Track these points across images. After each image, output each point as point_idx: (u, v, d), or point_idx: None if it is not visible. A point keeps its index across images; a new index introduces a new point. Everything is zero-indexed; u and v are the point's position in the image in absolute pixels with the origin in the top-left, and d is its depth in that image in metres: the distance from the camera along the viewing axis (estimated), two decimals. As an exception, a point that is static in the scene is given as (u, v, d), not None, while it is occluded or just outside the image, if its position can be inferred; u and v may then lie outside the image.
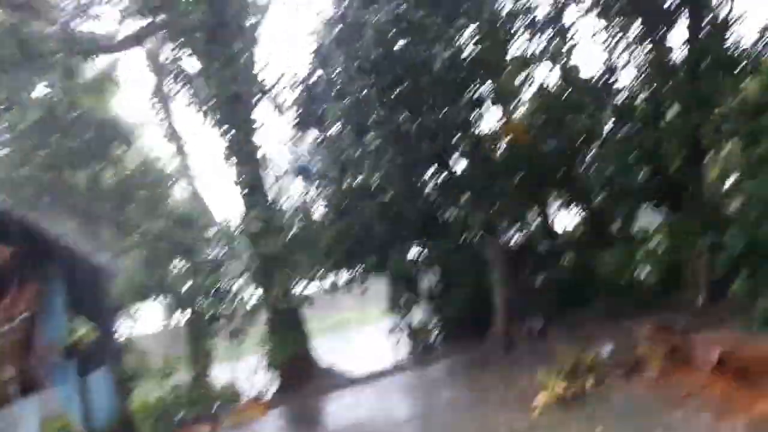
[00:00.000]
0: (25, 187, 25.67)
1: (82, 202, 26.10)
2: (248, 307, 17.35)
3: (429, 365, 13.92)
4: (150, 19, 16.06)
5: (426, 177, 13.36)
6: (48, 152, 24.17)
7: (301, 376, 15.21)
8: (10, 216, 12.05)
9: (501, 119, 13.34)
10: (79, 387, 12.60)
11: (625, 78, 12.71)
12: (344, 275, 15.29)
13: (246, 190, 15.67)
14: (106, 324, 16.34)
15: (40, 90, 22.20)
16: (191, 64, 16.68)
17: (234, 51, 15.12)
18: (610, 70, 12.55)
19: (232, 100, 14.98)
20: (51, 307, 14.22)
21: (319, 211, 15.69)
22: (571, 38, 12.43)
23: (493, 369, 11.59)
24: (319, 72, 13.86)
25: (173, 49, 16.93)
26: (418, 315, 15.68)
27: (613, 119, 12.22)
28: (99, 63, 22.21)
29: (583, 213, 13.85)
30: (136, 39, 18.05)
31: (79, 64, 19.20)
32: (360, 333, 22.83)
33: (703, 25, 11.28)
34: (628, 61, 12.41)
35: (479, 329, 13.45)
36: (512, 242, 14.12)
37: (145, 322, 26.26)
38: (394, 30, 11.21)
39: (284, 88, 15.48)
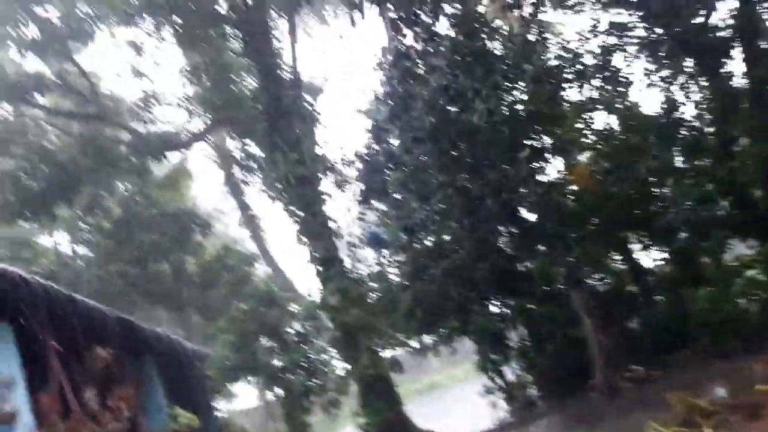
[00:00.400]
0: (115, 281, 27.14)
1: (169, 291, 27.32)
2: (338, 379, 17.49)
3: (532, 423, 13.46)
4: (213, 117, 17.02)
5: (497, 232, 13.32)
6: (133, 247, 25.63)
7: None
8: (108, 318, 12.70)
9: (565, 167, 13.26)
10: (185, 474, 12.86)
11: (687, 113, 12.55)
12: (429, 338, 15.24)
13: (321, 265, 16.02)
14: (204, 407, 16.76)
15: (120, 191, 23.61)
16: (256, 152, 17.51)
17: (294, 136, 15.79)
18: (670, 107, 12.37)
19: (297, 182, 15.54)
20: (152, 400, 14.75)
21: (394, 277, 15.83)
22: (624, 82, 12.39)
23: (601, 422, 11.07)
24: (376, 146, 14.29)
25: (237, 141, 17.86)
26: (510, 372, 15.32)
27: (683, 155, 11.97)
28: (171, 159, 23.55)
29: (668, 251, 13.37)
30: (201, 135, 19.13)
31: (151, 163, 20.40)
32: (451, 394, 22.40)
33: (760, 51, 11.04)
34: (687, 97, 12.23)
35: (577, 381, 12.96)
36: (599, 288, 13.72)
37: (240, 399, 26.78)
38: (443, 99, 11.55)
39: (345, 164, 15.96)
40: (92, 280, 26.41)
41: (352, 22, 11.20)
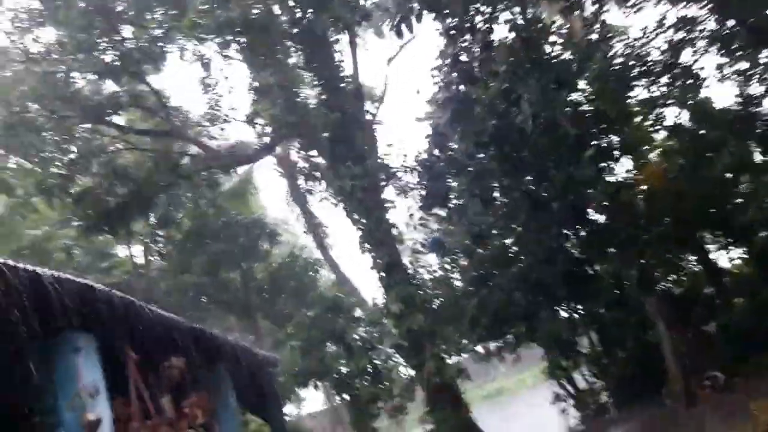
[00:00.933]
0: (188, 290, 28.15)
1: (239, 299, 28.14)
2: (404, 384, 17.52)
3: (604, 430, 13.09)
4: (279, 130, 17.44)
5: (564, 236, 13.05)
6: (204, 257, 26.53)
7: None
8: (182, 328, 13.22)
9: (635, 166, 12.86)
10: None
11: (765, 106, 11.90)
12: (495, 344, 15.06)
13: (384, 272, 16.14)
14: (274, 413, 17.17)
15: (191, 203, 24.43)
16: (319, 161, 17.83)
17: (357, 146, 16.02)
18: (746, 100, 11.79)
19: (360, 191, 15.72)
20: (225, 406, 15.18)
21: (458, 282, 15.74)
22: (694, 77, 11.91)
23: (677, 430, 10.66)
24: (437, 151, 14.28)
25: (301, 152, 18.25)
26: (580, 378, 14.94)
27: (761, 149, 11.38)
28: (238, 170, 24.24)
29: (747, 250, 12.74)
30: (268, 148, 19.61)
31: (221, 175, 21.03)
32: (519, 400, 22.02)
33: None
34: (766, 89, 11.61)
35: (652, 388, 12.52)
36: (673, 291, 13.21)
37: (308, 403, 27.22)
38: (503, 103, 11.46)
39: (406, 170, 16.03)
40: (166, 289, 27.53)
41: (399, 34, 11.23)
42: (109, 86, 18.83)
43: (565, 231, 13.04)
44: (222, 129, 20.27)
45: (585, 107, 12.55)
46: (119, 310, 9.31)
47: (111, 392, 9.54)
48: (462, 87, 12.43)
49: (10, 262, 7.31)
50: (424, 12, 11.45)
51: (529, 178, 12.91)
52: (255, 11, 15.73)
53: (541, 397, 16.02)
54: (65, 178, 17.18)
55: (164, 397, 10.77)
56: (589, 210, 13.07)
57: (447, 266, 16.02)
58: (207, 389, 14.42)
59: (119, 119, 20.07)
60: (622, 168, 13.21)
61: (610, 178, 12.84)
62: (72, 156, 17.64)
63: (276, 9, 16.42)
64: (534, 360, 16.77)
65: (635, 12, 12.53)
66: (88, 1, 16.22)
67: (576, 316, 14.14)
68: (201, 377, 14.27)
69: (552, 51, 12.24)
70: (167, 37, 17.24)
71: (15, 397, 7.61)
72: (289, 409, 23.50)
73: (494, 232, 13.40)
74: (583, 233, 13.02)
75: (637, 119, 13.07)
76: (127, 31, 18.19)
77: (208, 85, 19.19)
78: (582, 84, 13.08)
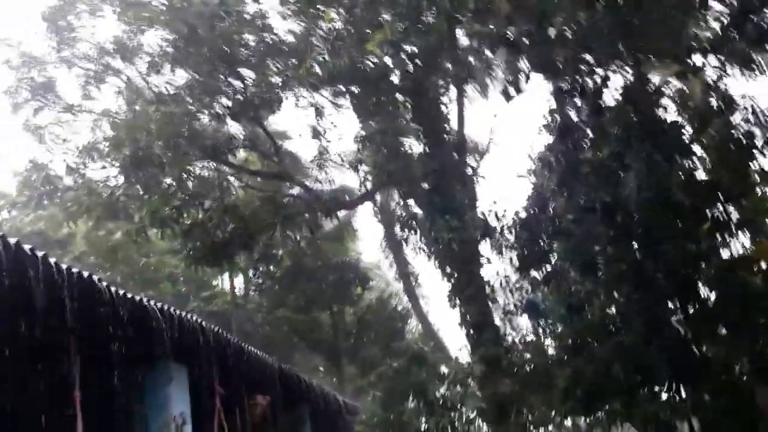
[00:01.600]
0: (281, 325, 28.86)
1: (327, 339, 28.53)
2: (485, 451, 16.83)
3: None
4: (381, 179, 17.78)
5: (671, 311, 12.22)
6: (298, 295, 27.21)
7: None
8: (271, 368, 13.60)
9: (753, 242, 11.94)
10: None
11: None
12: (585, 419, 14.16)
13: (473, 329, 15.78)
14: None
15: (291, 242, 25.15)
16: (417, 211, 17.94)
17: (456, 200, 16.01)
18: None
19: (455, 244, 15.61)
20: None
21: (551, 349, 15.06)
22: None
23: None
24: (538, 212, 13.95)
25: (400, 201, 18.47)
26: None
27: None
28: (339, 214, 24.80)
29: None
30: (369, 195, 20.03)
31: (323, 218, 21.60)
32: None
33: None
34: None
35: (762, 489, 11.22)
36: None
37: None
38: (616, 169, 11.05)
39: (504, 228, 15.75)
40: (261, 322, 28.43)
41: (506, 97, 11.24)
42: (228, 127, 20.00)
43: (672, 306, 12.22)
44: (327, 174, 20.95)
45: (701, 176, 11.87)
46: (213, 345, 9.71)
47: (196, 422, 9.84)
48: (570, 149, 12.18)
49: (117, 290, 7.82)
50: (533, 72, 11.42)
51: (636, 247, 12.27)
52: (368, 63, 16.34)
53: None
54: (179, 210, 18.28)
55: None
56: (700, 286, 12.20)
57: (540, 331, 15.40)
58: (287, 428, 14.63)
59: (234, 159, 21.21)
60: (738, 243, 12.29)
61: (724, 253, 11.98)
62: (187, 190, 18.77)
63: (388, 61, 16.94)
64: (629, 441, 15.57)
65: (759, 76, 11.85)
66: (215, 50, 17.45)
67: (678, 398, 13.05)
68: (282, 416, 14.52)
69: (666, 116, 11.76)
70: (285, 84, 18.17)
71: (108, 420, 8.03)
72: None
73: (595, 301, 12.76)
74: (691, 310, 12.14)
75: (758, 191, 12.17)
76: (248, 76, 19.34)
77: (318, 130, 19.95)
78: (698, 151, 12.42)
